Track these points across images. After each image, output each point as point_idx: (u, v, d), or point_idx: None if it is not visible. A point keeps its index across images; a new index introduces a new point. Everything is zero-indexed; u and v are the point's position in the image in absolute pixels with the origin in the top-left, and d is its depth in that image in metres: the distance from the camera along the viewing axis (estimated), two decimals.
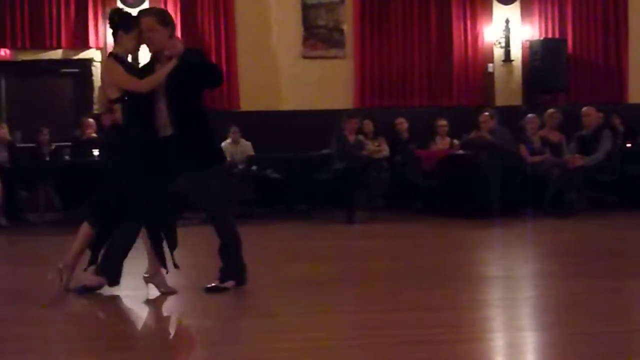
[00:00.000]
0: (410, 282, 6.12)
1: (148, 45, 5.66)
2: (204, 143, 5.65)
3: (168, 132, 5.54)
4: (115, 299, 5.63)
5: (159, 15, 5.73)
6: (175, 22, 12.03)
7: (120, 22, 5.66)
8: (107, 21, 5.85)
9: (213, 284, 5.65)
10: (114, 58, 5.63)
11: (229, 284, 5.64)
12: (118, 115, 5.60)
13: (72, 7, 12.35)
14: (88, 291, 5.66)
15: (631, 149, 11.83)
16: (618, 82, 13.40)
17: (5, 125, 11.71)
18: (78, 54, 12.51)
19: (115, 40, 5.75)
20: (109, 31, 5.90)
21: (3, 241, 9.87)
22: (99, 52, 12.44)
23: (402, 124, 12.24)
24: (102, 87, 5.78)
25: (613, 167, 10.99)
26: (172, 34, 5.65)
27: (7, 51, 12.39)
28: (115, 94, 5.59)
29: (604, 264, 6.84)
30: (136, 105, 5.52)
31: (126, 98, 5.53)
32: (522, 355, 4.30)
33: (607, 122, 11.44)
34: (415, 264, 7.12)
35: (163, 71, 5.48)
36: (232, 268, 5.67)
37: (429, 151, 11.86)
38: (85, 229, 5.70)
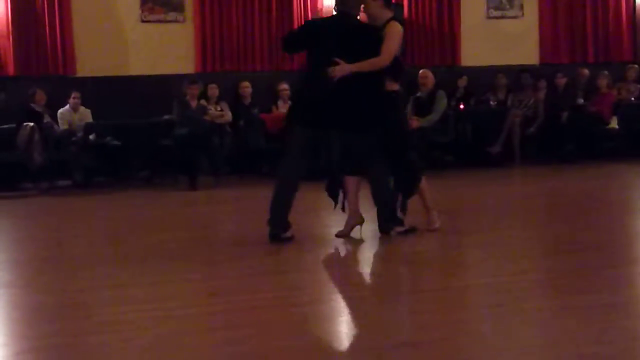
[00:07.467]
0: (257, 246, 6.06)
1: None
2: None
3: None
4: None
5: None
6: None
7: None
8: None
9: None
10: None
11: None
12: None
13: None
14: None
15: (464, 110, 12.35)
16: (451, 45, 13.85)
17: None
18: None
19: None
20: None
21: None
22: None
23: (247, 88, 12.17)
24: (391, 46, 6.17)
25: (447, 128, 11.44)
26: None
27: None
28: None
29: None
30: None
31: None
32: (364, 314, 4.44)
33: (441, 84, 11.74)
34: (257, 229, 6.43)
35: None
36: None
37: (271, 115, 11.92)
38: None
